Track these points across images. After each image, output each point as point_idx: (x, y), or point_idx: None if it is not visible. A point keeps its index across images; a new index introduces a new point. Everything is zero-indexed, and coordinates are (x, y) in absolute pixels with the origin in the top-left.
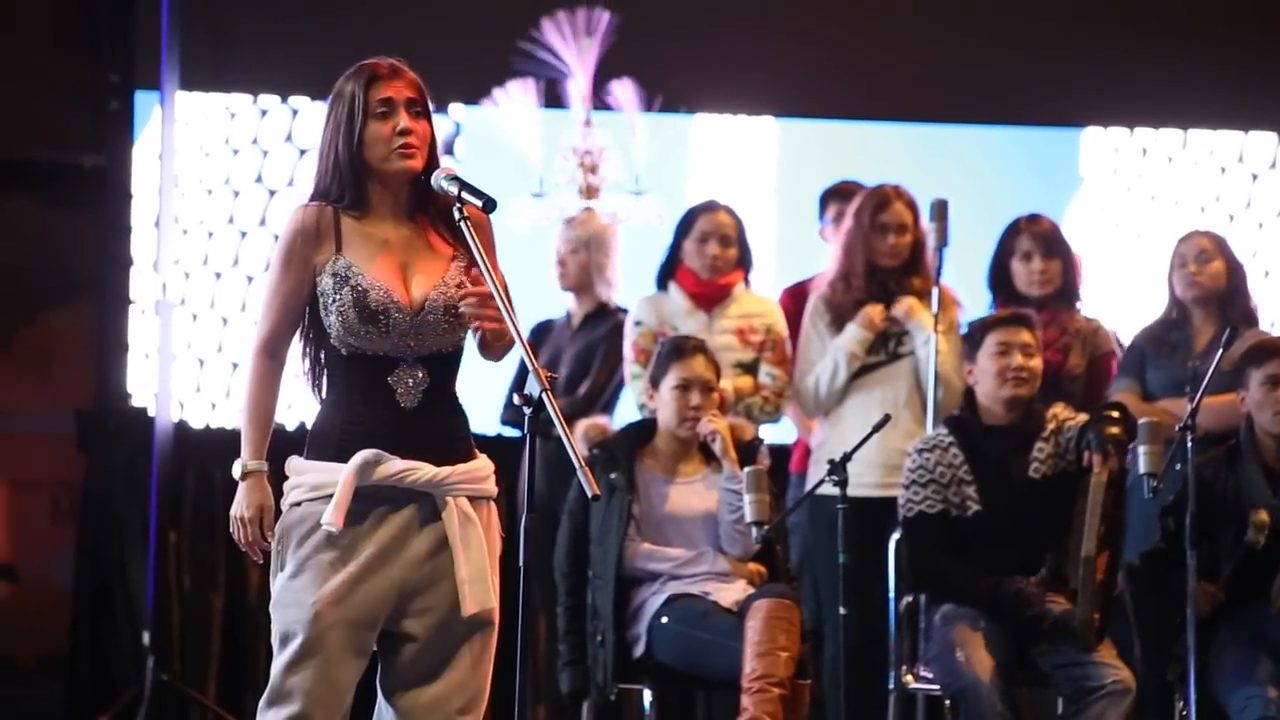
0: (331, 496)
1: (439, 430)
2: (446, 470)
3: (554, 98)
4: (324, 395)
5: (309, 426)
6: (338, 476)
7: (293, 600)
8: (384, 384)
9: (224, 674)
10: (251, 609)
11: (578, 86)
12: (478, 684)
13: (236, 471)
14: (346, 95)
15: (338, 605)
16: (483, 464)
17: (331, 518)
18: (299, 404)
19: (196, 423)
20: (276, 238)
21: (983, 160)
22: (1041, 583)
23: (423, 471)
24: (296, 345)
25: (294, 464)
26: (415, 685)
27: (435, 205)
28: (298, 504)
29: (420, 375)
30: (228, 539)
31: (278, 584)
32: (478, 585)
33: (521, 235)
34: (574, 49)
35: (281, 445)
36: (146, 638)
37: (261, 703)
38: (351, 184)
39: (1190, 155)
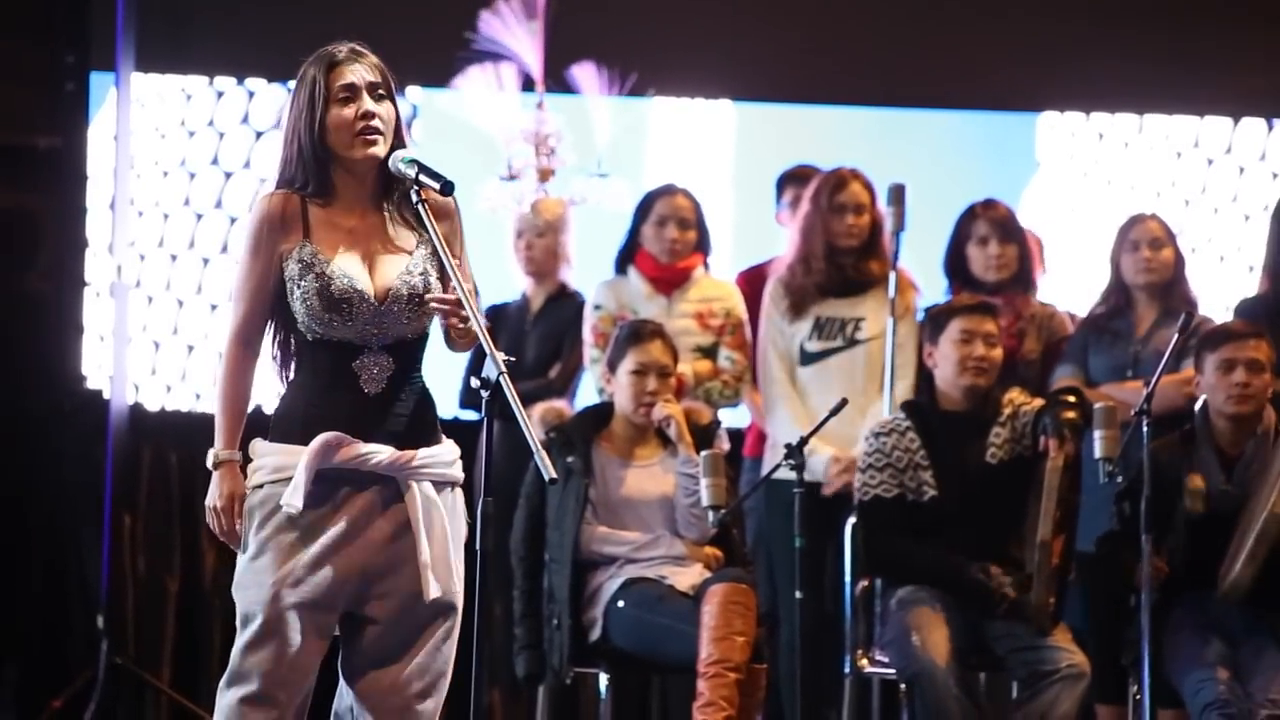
0: (289, 479)
1: (403, 415)
2: (409, 454)
3: (512, 81)
4: (290, 378)
5: (272, 411)
6: (299, 459)
7: (253, 581)
8: (348, 369)
9: (178, 657)
10: (206, 593)
11: (530, 70)
12: (439, 668)
13: (210, 461)
14: (307, 82)
15: (297, 586)
16: (448, 448)
17: (291, 499)
18: (262, 388)
19: (152, 405)
20: (234, 220)
21: (939, 145)
22: (1005, 573)
23: (384, 454)
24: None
25: (257, 446)
26: (375, 668)
27: (401, 193)
28: (259, 486)
29: (385, 361)
30: (183, 522)
31: (240, 565)
32: (440, 569)
33: (481, 218)
34: (520, 33)
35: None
36: (101, 621)
37: (221, 682)
38: (315, 172)
39: (1146, 140)
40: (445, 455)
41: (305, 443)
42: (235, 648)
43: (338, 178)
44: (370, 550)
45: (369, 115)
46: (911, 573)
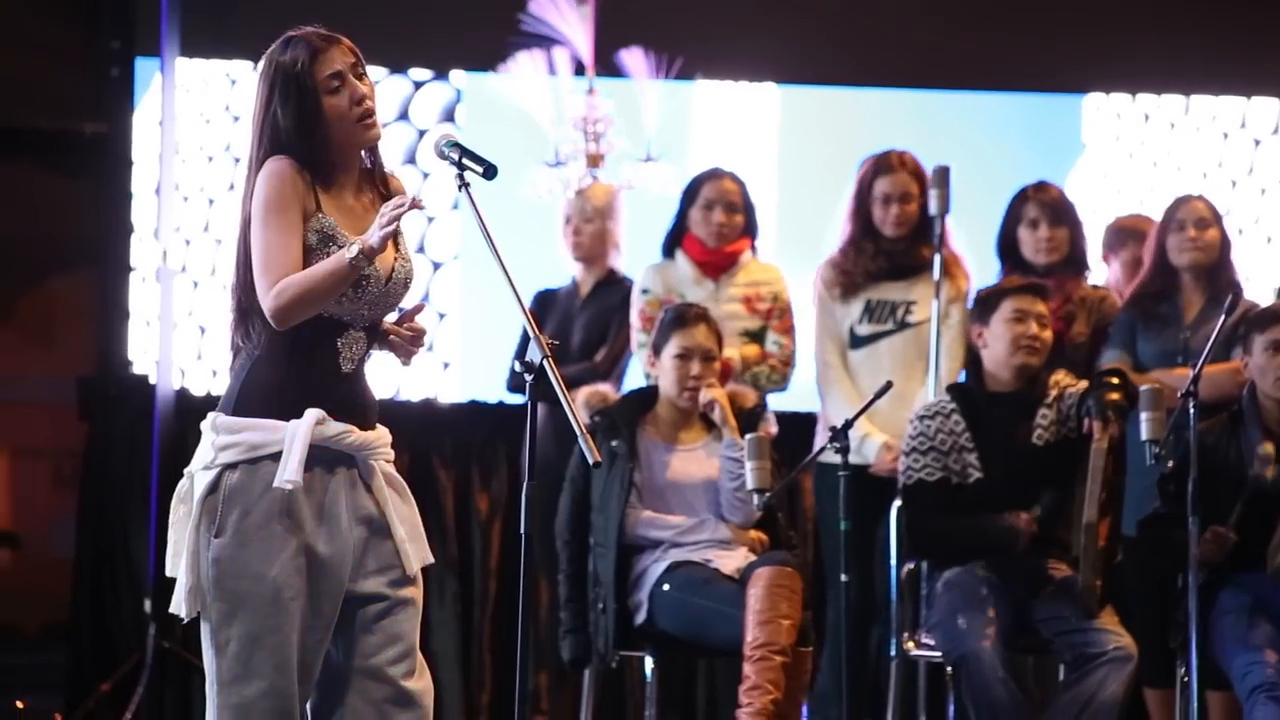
0: (270, 457)
1: (364, 396)
2: (373, 434)
3: (562, 65)
4: (256, 350)
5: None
6: (278, 435)
7: (243, 572)
8: (333, 346)
9: None
10: None
11: (580, 55)
12: (417, 643)
13: (352, 251)
14: (292, 74)
15: (300, 575)
16: (386, 431)
17: (291, 475)
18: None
19: (198, 390)
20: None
21: (985, 127)
22: (1035, 520)
23: (357, 434)
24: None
25: (224, 421)
26: (382, 645)
27: (375, 179)
28: (233, 466)
29: (362, 340)
30: None
31: (216, 552)
32: (417, 542)
33: (531, 204)
34: (571, 18)
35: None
36: (148, 605)
37: (220, 681)
38: (316, 157)
39: (1192, 121)
40: (388, 437)
41: (284, 418)
42: (232, 646)
43: (339, 162)
44: (353, 529)
45: (363, 98)
46: (950, 546)
